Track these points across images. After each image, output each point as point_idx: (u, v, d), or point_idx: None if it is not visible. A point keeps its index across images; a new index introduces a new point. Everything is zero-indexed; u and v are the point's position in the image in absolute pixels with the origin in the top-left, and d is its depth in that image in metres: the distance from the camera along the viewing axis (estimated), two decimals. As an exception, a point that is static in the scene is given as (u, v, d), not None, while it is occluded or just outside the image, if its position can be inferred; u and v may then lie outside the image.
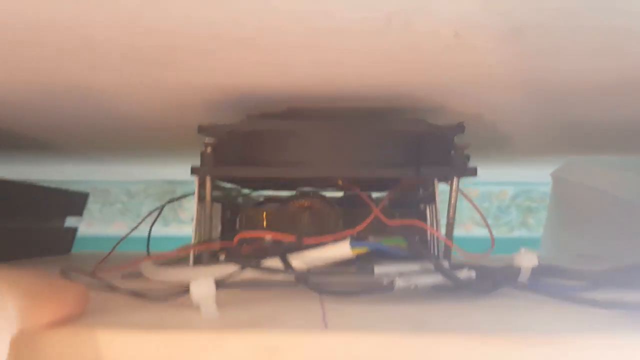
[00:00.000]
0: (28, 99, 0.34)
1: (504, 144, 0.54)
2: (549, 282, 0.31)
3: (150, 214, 0.46)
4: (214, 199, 0.37)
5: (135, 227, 0.48)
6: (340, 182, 0.36)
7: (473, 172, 0.32)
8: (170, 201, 0.47)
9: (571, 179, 0.67)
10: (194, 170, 0.32)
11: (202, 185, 0.33)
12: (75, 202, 0.62)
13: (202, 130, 0.32)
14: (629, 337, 0.21)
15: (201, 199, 0.34)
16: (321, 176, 0.31)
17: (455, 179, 0.32)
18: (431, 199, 0.34)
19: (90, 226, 1.06)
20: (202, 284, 0.25)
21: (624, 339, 0.21)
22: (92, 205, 1.07)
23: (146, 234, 0.43)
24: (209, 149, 0.31)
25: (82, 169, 0.81)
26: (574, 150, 0.62)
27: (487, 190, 1.11)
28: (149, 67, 0.27)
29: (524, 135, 0.49)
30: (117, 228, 1.06)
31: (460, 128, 0.33)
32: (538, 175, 0.77)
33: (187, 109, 0.36)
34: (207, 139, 0.31)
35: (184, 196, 0.47)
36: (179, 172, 0.57)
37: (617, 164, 0.63)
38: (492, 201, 1.11)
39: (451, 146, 0.33)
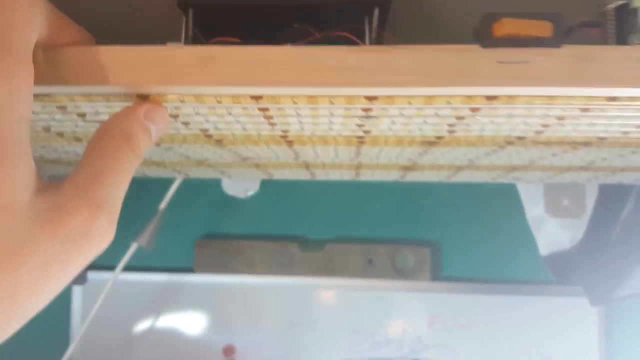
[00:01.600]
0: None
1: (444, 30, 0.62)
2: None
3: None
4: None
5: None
6: (295, 26, 0.47)
7: (388, 1, 0.43)
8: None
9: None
10: (179, 1, 0.42)
11: (187, 22, 0.44)
12: None
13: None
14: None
15: (187, 39, 0.45)
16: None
17: (375, 10, 0.43)
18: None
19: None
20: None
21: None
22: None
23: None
24: (192, -18, 0.42)
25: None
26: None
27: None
28: None
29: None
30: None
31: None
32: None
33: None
34: (191, -27, 0.42)
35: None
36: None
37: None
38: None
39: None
